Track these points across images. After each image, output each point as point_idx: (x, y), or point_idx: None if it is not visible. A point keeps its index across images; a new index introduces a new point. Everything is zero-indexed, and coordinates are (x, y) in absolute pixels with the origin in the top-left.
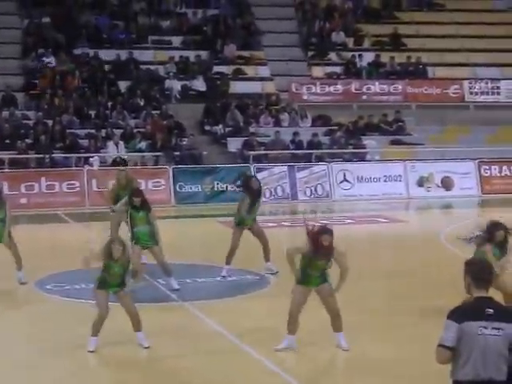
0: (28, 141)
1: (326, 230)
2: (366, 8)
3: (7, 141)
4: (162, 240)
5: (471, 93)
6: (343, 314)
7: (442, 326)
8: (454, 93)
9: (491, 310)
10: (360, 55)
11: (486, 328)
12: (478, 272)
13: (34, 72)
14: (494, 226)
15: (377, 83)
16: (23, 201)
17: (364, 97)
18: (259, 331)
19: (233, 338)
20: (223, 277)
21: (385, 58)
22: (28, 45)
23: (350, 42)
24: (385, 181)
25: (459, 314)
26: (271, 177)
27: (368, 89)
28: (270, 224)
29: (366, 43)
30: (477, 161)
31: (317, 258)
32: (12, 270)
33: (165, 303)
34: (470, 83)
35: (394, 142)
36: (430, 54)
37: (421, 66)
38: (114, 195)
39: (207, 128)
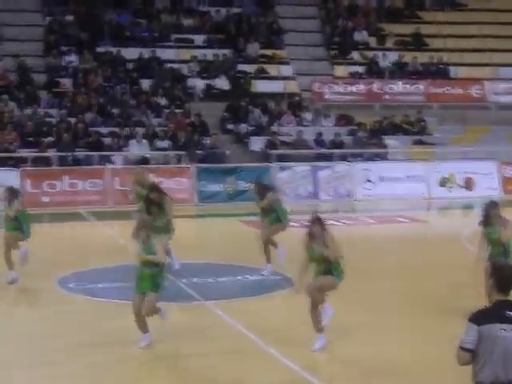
0: (51, 139)
1: (312, 219)
2: (388, 7)
3: (30, 138)
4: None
5: (493, 93)
6: (363, 313)
7: (462, 327)
8: (476, 93)
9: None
10: (383, 55)
11: (505, 331)
12: (503, 276)
13: (56, 70)
14: (489, 207)
15: (399, 83)
16: (45, 199)
17: (386, 97)
18: (280, 331)
19: (255, 337)
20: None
21: (407, 57)
22: (50, 43)
23: (373, 41)
24: (407, 181)
25: (480, 317)
26: (294, 176)
27: (390, 89)
28: (292, 223)
29: (389, 43)
30: (498, 161)
31: (308, 248)
32: (35, 267)
33: (187, 303)
34: (492, 83)
35: (416, 142)
36: (453, 53)
37: (443, 66)
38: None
39: (230, 127)
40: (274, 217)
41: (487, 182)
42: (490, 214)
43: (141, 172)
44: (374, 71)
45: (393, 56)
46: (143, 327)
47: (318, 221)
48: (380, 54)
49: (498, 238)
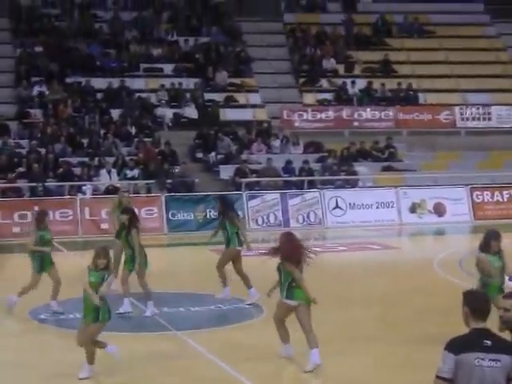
0: (21, 169)
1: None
2: (356, 35)
3: (0, 169)
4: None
5: (462, 118)
6: (335, 340)
7: (435, 354)
8: (445, 119)
9: (489, 342)
10: (352, 82)
11: (483, 359)
12: (476, 303)
13: (26, 101)
14: (491, 236)
15: (368, 110)
16: (16, 230)
17: (355, 123)
18: (252, 360)
19: (227, 366)
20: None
21: (376, 84)
22: (21, 73)
23: (341, 68)
24: (377, 207)
25: (456, 345)
26: (263, 204)
27: (359, 115)
28: (262, 251)
29: (357, 70)
30: (469, 187)
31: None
32: (5, 295)
33: (158, 332)
34: (461, 109)
35: (386, 169)
36: (421, 80)
37: (412, 92)
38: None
39: (199, 155)
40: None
41: (458, 207)
42: (491, 243)
43: (124, 196)
44: (342, 98)
45: (361, 83)
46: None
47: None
48: (348, 81)
49: (499, 268)
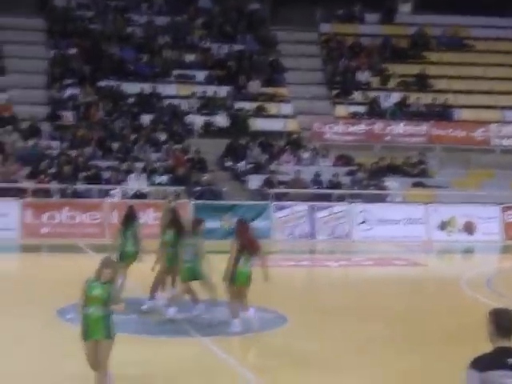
0: (51, 171)
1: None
2: (393, 47)
3: (31, 170)
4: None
5: (498, 136)
6: (351, 355)
7: (461, 373)
8: (480, 136)
9: None
10: (385, 95)
11: (507, 378)
12: (502, 321)
13: (58, 102)
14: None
15: (401, 124)
16: (45, 230)
17: (387, 138)
18: (275, 368)
19: (248, 373)
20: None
21: (411, 98)
22: (54, 75)
23: (376, 81)
24: (405, 223)
25: (481, 363)
26: (291, 215)
27: (392, 130)
28: (289, 263)
29: (392, 83)
30: (501, 206)
31: None
32: (34, 294)
33: (181, 337)
34: (497, 126)
35: (417, 184)
36: (457, 95)
37: (446, 108)
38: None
39: (228, 164)
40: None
41: (489, 226)
42: None
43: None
44: (375, 112)
45: (396, 96)
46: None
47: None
48: (382, 94)
49: None
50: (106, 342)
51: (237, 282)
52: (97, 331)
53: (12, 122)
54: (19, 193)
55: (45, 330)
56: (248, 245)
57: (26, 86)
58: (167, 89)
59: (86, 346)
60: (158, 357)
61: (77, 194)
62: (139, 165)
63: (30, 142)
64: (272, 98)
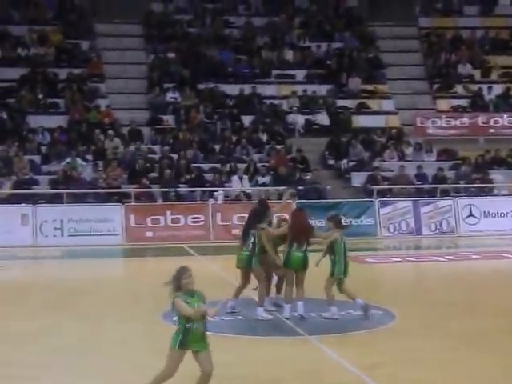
0: (153, 174)
1: None
2: (494, 39)
3: (134, 174)
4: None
5: None
6: (463, 350)
7: None
8: None
9: None
10: (488, 87)
11: None
12: None
13: (159, 107)
14: None
15: (505, 116)
16: (149, 234)
17: (491, 130)
18: (384, 365)
19: (359, 372)
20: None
21: None
22: (153, 80)
23: (477, 74)
24: None
25: None
26: (395, 211)
27: (495, 122)
28: (394, 259)
29: (494, 75)
30: None
31: None
32: (139, 297)
33: (290, 337)
34: None
35: None
36: None
37: None
38: None
39: (331, 162)
40: None
41: None
42: None
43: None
44: (478, 105)
45: (498, 88)
46: None
47: None
48: (485, 86)
49: None
50: (208, 352)
51: (290, 266)
52: (202, 341)
53: (113, 127)
54: (122, 198)
55: (149, 333)
56: (300, 231)
57: (126, 91)
58: (267, 89)
59: (179, 353)
60: (266, 356)
61: (180, 197)
62: (241, 166)
63: (132, 147)
64: (373, 95)
